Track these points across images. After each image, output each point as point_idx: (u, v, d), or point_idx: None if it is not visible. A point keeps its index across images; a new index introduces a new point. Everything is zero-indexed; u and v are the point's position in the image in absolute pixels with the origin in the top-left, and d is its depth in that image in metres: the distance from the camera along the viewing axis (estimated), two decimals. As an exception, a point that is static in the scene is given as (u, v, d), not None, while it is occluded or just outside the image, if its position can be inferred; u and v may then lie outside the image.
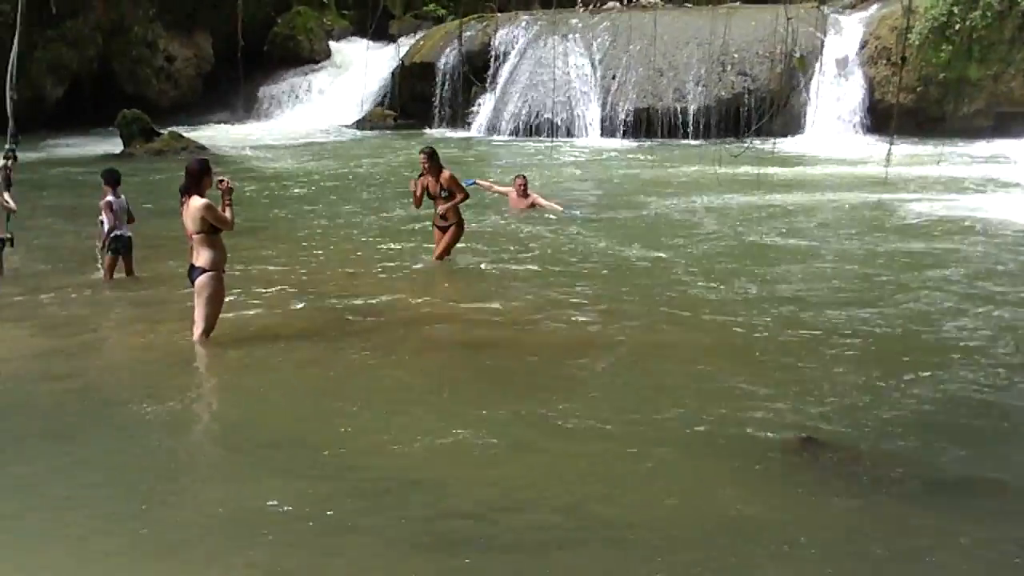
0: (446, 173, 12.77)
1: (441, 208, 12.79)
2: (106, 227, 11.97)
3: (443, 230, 12.99)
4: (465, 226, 13.21)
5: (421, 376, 8.83)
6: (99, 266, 12.23)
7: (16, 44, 13.63)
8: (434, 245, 13.17)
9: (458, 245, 13.20)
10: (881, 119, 27.50)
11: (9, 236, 11.87)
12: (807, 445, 7.05)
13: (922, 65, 27.43)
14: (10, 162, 12.24)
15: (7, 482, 6.61)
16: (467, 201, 13.15)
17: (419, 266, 13.06)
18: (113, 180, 12.16)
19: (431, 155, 12.80)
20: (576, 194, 19.57)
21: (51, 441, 7.33)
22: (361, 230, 15.60)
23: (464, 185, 12.99)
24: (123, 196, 12.20)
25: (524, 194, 16.91)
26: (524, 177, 17.27)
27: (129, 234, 12.11)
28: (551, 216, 16.37)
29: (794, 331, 9.92)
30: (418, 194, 12.87)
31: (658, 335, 9.82)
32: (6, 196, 12.17)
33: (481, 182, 16.81)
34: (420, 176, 12.84)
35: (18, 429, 7.59)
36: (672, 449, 7.02)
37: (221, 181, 9.47)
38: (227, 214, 9.42)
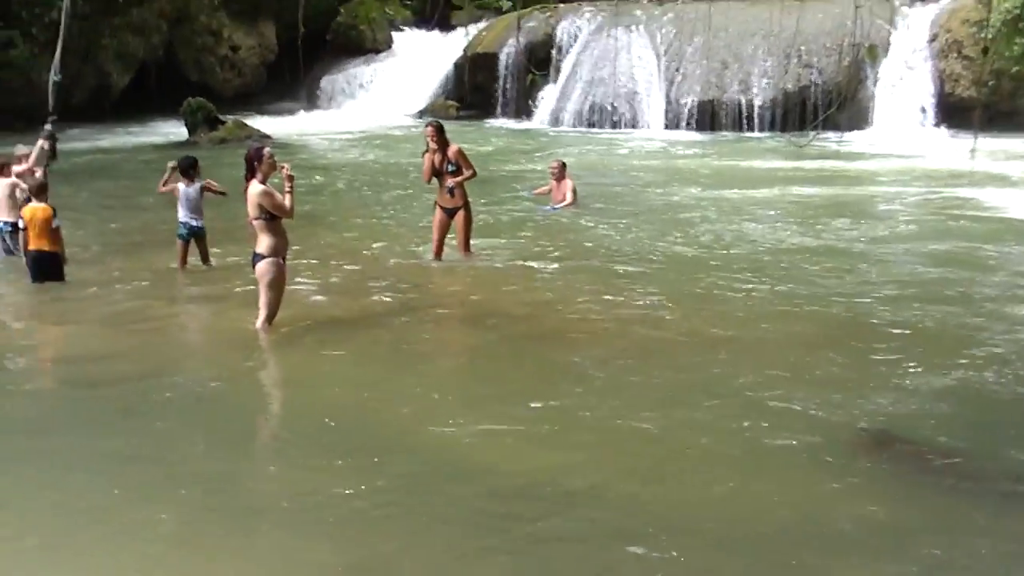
0: (454, 147, 12.24)
1: (450, 182, 12.17)
2: (179, 215, 12.07)
3: (450, 213, 12.32)
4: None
5: (477, 365, 8.83)
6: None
7: (62, 30, 13.91)
8: (432, 230, 12.52)
9: (499, 240, 12.90)
10: (951, 113, 27.02)
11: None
12: (880, 438, 6.90)
13: (995, 59, 26.83)
14: (49, 141, 12.49)
15: (92, 456, 6.75)
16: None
17: (423, 260, 12.59)
18: (185, 168, 12.17)
19: (439, 129, 12.30)
20: (638, 185, 19.32)
21: (124, 419, 7.42)
22: (421, 220, 15.49)
23: (523, 195, 12.76)
24: (197, 184, 12.20)
25: (560, 178, 16.29)
26: (559, 161, 16.76)
27: (195, 223, 12.11)
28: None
29: (863, 324, 9.71)
30: (427, 168, 12.31)
31: (719, 329, 9.60)
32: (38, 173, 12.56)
33: (536, 191, 16.69)
34: (426, 152, 12.29)
35: (94, 407, 7.71)
36: (738, 443, 6.86)
37: (283, 167, 9.43)
38: (287, 201, 9.36)
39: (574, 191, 16.23)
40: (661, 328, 9.66)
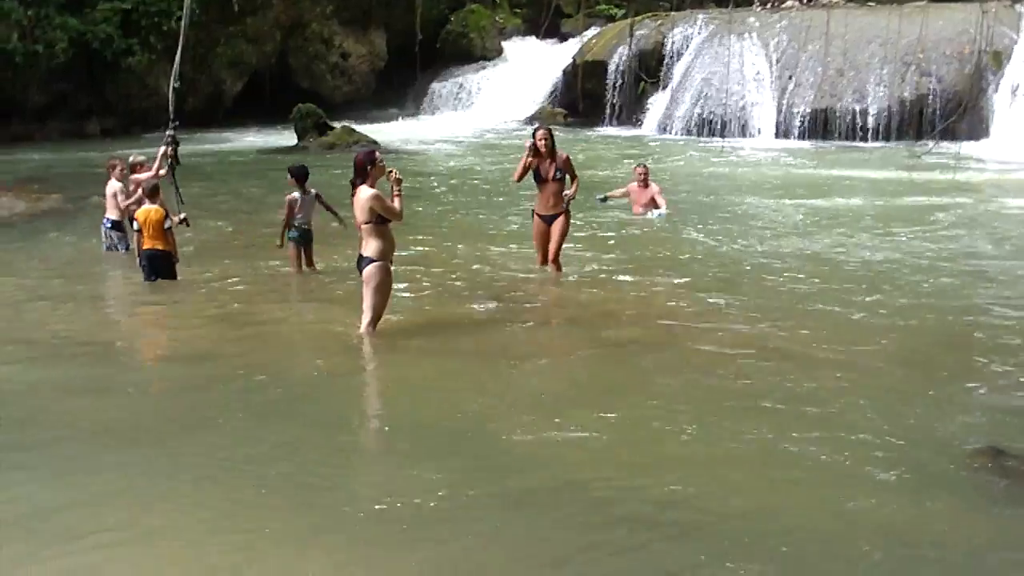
0: (563, 154, 11.85)
1: (555, 191, 11.76)
2: (295, 220, 12.16)
3: (548, 221, 11.91)
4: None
5: (576, 374, 8.62)
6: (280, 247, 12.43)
7: (181, 41, 14.26)
8: (533, 241, 12.26)
9: (587, 254, 12.70)
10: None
11: (183, 217, 12.06)
12: (993, 455, 6.59)
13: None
14: (172, 146, 12.80)
15: (199, 457, 6.76)
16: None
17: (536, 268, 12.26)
18: (298, 176, 12.32)
19: (551, 133, 11.94)
20: (741, 194, 18.96)
21: (229, 420, 7.42)
22: (517, 225, 15.36)
23: (598, 200, 12.46)
24: (312, 191, 12.33)
25: (645, 184, 16.04)
26: (645, 166, 16.48)
27: (308, 227, 12.20)
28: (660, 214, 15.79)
29: (975, 340, 9.38)
30: (521, 169, 11.91)
31: (823, 343, 9.25)
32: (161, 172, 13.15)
33: (610, 194, 16.46)
34: (529, 156, 11.78)
35: (199, 407, 7.74)
36: (842, 460, 6.57)
37: (391, 172, 9.39)
38: (396, 204, 9.33)
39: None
40: (760, 342, 9.34)
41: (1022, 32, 27.94)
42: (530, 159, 11.79)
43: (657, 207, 15.91)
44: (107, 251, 13.62)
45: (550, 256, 11.98)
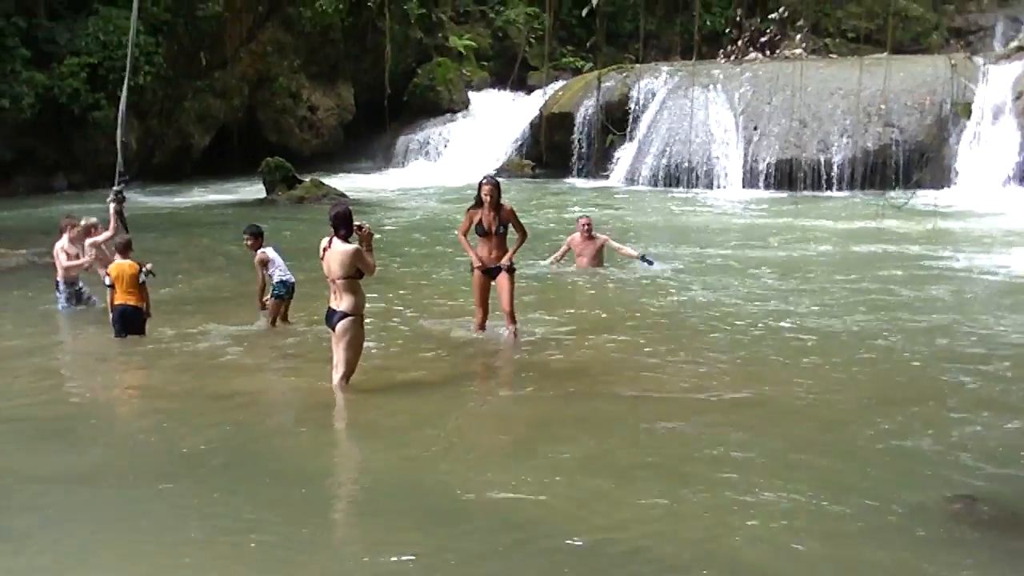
0: (508, 206, 11.50)
1: (497, 244, 11.42)
2: (274, 277, 12.13)
3: (491, 274, 11.49)
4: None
5: (557, 425, 8.62)
6: (262, 313, 12.41)
7: (125, 94, 14.28)
8: (473, 296, 11.69)
9: (534, 315, 12.45)
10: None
11: (149, 267, 11.94)
12: (967, 505, 6.68)
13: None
14: (117, 205, 12.85)
15: (167, 512, 6.74)
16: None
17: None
18: (256, 234, 12.39)
19: (498, 186, 11.44)
20: (718, 246, 19.09)
21: (200, 477, 7.41)
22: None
23: (544, 267, 12.13)
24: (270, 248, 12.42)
25: (590, 235, 15.65)
26: (588, 217, 16.07)
27: (291, 280, 12.17)
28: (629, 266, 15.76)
29: (946, 387, 9.53)
30: (466, 224, 11.52)
31: (795, 393, 9.35)
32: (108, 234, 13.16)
33: (552, 259, 16.06)
34: (473, 207, 11.45)
35: (166, 462, 7.72)
36: (824, 511, 6.62)
37: (360, 227, 9.41)
38: (369, 259, 9.35)
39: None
40: (730, 392, 9.43)
41: (979, 84, 28.44)
42: (473, 211, 11.46)
43: (631, 256, 15.90)
44: (64, 309, 13.31)
45: (505, 310, 11.44)
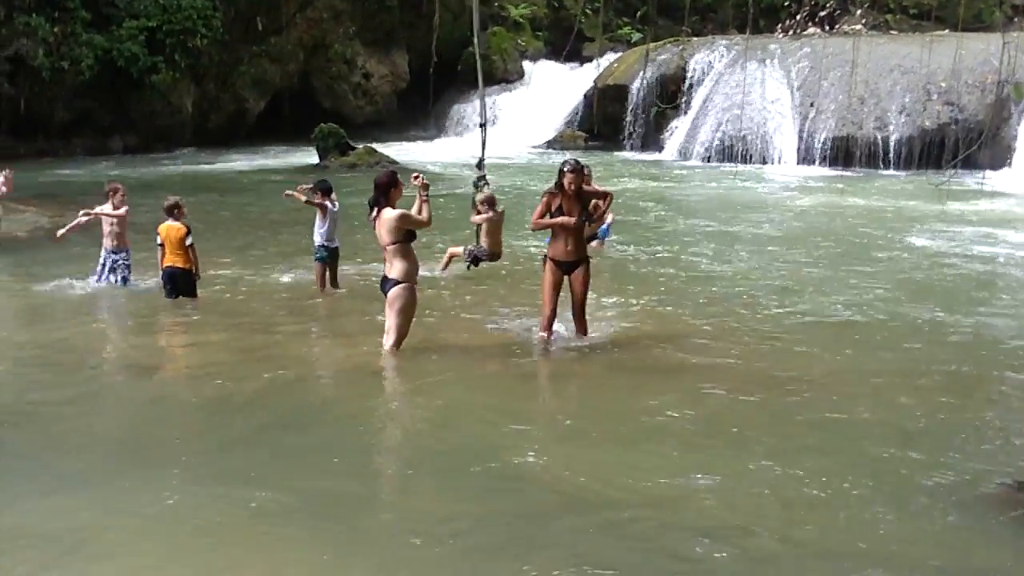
0: (596, 187, 10.83)
1: (573, 240, 9.99)
2: (315, 239, 12.18)
3: (567, 268, 10.06)
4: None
5: (602, 398, 8.66)
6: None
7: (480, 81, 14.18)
8: (542, 294, 10.16)
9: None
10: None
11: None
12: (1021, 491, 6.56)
13: None
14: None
15: (219, 474, 6.79)
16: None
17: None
18: (324, 190, 12.41)
19: (581, 171, 10.02)
20: (767, 222, 18.93)
21: (250, 440, 7.51)
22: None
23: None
24: (338, 205, 12.41)
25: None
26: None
27: (336, 245, 12.24)
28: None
29: (998, 373, 9.34)
30: (542, 211, 10.01)
31: (853, 373, 9.26)
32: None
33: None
34: (551, 193, 9.97)
35: (218, 426, 7.84)
36: (877, 495, 6.53)
37: (416, 176, 9.44)
38: (424, 211, 9.35)
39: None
40: (786, 367, 9.39)
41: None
42: (551, 196, 9.99)
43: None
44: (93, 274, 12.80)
45: (575, 312, 10.17)
